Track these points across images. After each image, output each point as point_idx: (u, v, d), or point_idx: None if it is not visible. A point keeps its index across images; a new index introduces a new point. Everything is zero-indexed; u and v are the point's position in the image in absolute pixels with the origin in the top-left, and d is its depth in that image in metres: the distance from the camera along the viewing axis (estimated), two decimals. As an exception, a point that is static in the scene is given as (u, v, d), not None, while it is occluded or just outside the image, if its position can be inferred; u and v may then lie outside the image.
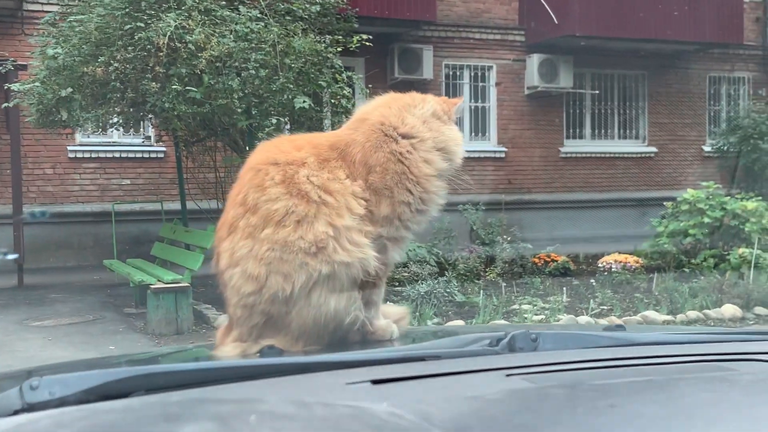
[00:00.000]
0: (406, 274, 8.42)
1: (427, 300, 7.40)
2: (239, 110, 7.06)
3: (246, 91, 7.07)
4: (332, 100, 7.61)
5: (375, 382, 1.14)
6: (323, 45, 7.46)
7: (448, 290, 7.62)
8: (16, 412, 1.07)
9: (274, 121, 7.02)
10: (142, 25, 7.09)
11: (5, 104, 8.07)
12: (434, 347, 1.43)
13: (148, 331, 7.48)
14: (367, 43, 8.08)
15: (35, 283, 9.58)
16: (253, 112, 7.35)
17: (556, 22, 13.05)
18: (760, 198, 10.32)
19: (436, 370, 1.22)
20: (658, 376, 1.21)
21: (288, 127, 8.32)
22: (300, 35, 7.34)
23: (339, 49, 7.86)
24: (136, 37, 7.11)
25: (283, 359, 1.39)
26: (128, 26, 7.17)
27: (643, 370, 1.25)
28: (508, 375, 1.19)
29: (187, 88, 6.97)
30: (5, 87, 7.92)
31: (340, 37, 8.02)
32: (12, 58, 8.03)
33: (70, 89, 7.22)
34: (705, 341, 1.57)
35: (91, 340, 6.93)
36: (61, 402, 1.08)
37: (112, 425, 0.98)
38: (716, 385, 1.18)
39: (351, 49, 8.17)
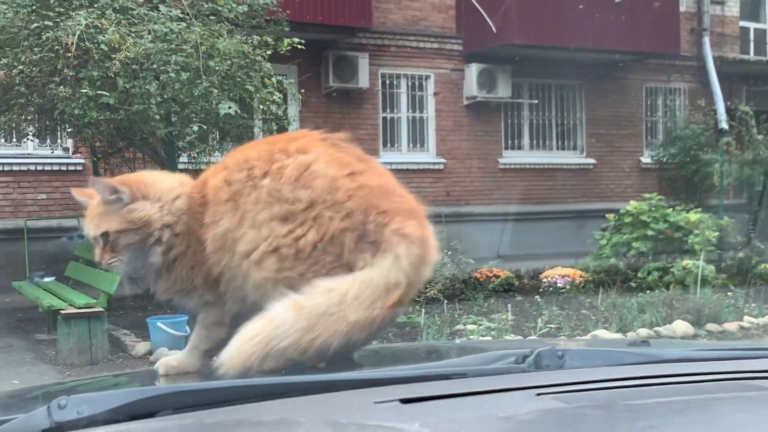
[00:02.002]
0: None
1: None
2: (157, 117, 6.46)
3: (165, 96, 6.48)
4: (261, 107, 7.06)
5: (404, 401, 1.15)
6: (251, 47, 6.92)
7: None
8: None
9: (195, 128, 6.43)
10: (50, 23, 6.47)
11: None
12: (458, 365, 1.44)
13: (58, 361, 6.81)
14: (300, 46, 7.59)
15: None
16: (174, 119, 6.76)
17: (495, 31, 12.80)
18: (700, 210, 10.20)
19: (463, 389, 1.22)
20: (692, 395, 1.20)
21: (215, 136, 7.76)
22: (225, 36, 6.79)
23: (268, 52, 7.33)
24: (44, 37, 6.48)
25: (311, 377, 1.40)
26: (35, 25, 6.54)
27: (676, 389, 1.25)
28: (538, 394, 1.18)
29: (99, 92, 6.35)
30: None
31: (270, 39, 7.49)
32: None
33: (-33, 94, 6.52)
34: (734, 357, 1.56)
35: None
36: (90, 422, 1.12)
37: None
38: (754, 405, 1.17)
39: (282, 53, 7.65)
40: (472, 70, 13.06)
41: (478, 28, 12.99)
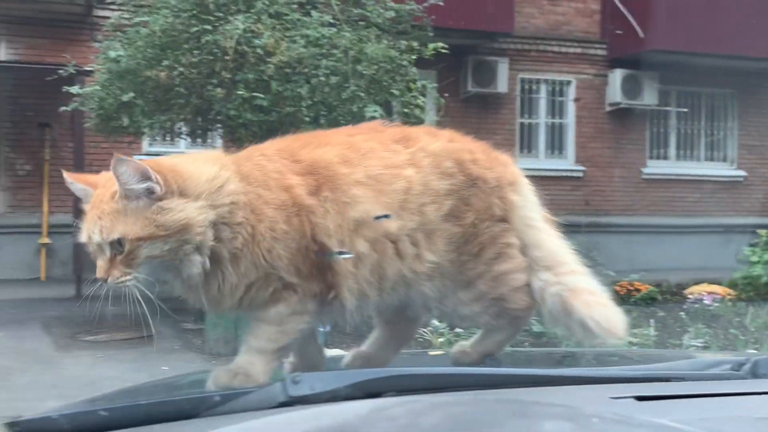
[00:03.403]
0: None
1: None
2: (307, 119, 6.65)
3: (315, 99, 6.66)
4: (404, 110, 7.13)
5: (639, 398, 1.15)
6: (398, 51, 7.00)
7: (525, 318, 7.02)
8: (280, 405, 1.17)
9: (342, 130, 6.56)
10: (210, 27, 6.77)
11: (63, 108, 7.84)
12: (673, 369, 1.44)
13: (205, 350, 7.10)
14: (444, 50, 7.60)
15: (94, 294, 9.31)
16: (322, 122, 6.93)
17: (641, 35, 12.36)
18: None
19: (690, 391, 1.22)
20: None
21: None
22: (373, 41, 6.90)
23: (413, 57, 7.40)
24: (203, 41, 6.79)
25: (541, 370, 1.41)
26: (195, 29, 6.86)
27: None
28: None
29: (254, 94, 6.59)
30: (64, 90, 7.67)
31: (415, 44, 7.56)
32: (73, 62, 7.78)
33: (132, 94, 6.92)
34: None
35: (142, 358, 6.56)
36: (319, 397, 1.17)
37: (394, 418, 0.98)
38: None
39: (426, 57, 7.70)
40: (616, 75, 12.69)
41: (624, 33, 12.60)
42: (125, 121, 7.10)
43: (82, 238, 1.56)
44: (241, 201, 1.63)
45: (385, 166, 1.79)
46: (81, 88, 7.54)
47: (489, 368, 1.46)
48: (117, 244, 1.53)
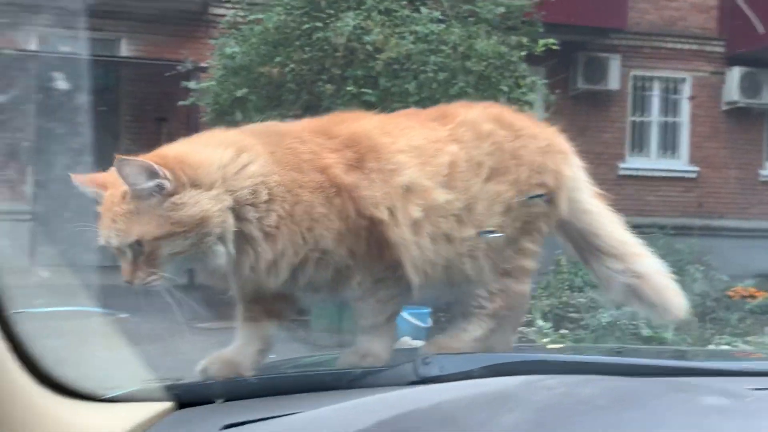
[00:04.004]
0: (583, 300, 7.72)
1: (610, 332, 6.68)
2: (415, 115, 6.67)
3: (423, 96, 6.66)
4: (514, 107, 7.05)
5: None
6: (507, 47, 6.93)
7: (633, 322, 6.85)
8: (411, 383, 1.23)
9: (450, 127, 6.56)
10: (321, 24, 6.88)
11: (181, 102, 8.13)
12: None
13: (309, 340, 7.24)
14: (554, 47, 7.47)
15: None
16: (429, 118, 6.94)
17: (761, 31, 11.79)
18: None
19: None
20: None
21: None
22: (483, 37, 6.86)
23: (523, 53, 7.31)
24: (314, 38, 6.91)
25: (671, 362, 1.42)
26: (306, 26, 6.99)
27: None
28: None
29: (363, 90, 6.67)
30: (182, 85, 7.97)
31: (525, 40, 7.46)
32: (191, 58, 8.07)
33: (245, 89, 7.11)
34: None
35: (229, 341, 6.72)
36: (449, 378, 1.20)
37: (551, 388, 0.99)
38: None
39: (535, 54, 7.60)
40: (734, 73, 12.17)
41: (743, 29, 12.04)
42: (239, 116, 7.31)
43: (101, 242, 1.49)
44: (269, 181, 1.55)
45: (427, 139, 1.75)
46: (197, 84, 7.81)
47: (629, 358, 1.45)
48: (136, 246, 1.46)
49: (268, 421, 1.08)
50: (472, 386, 1.05)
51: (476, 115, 1.85)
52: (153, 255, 1.48)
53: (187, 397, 1.23)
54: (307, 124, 1.81)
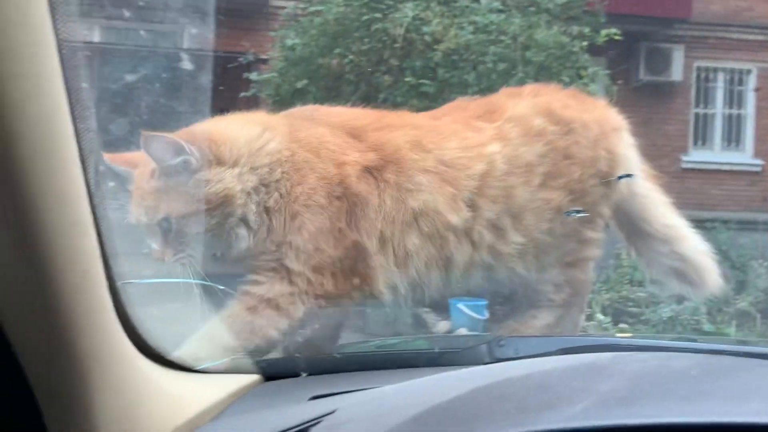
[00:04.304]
0: (643, 294, 7.60)
1: (670, 326, 6.57)
2: (473, 106, 6.65)
3: (482, 86, 6.63)
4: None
5: None
6: (568, 38, 6.85)
7: (695, 317, 6.73)
8: (487, 364, 1.21)
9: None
10: (380, 16, 6.90)
11: (243, 93, 8.24)
12: None
13: (365, 330, 7.27)
14: (617, 37, 7.36)
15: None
16: (488, 109, 6.91)
17: (834, 20, 11.43)
18: None
19: None
20: None
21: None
22: (543, 27, 6.78)
23: (584, 43, 7.21)
24: (373, 29, 6.93)
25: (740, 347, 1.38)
26: (366, 17, 7.01)
27: None
28: None
29: (421, 81, 6.66)
30: (243, 77, 8.07)
31: (587, 30, 7.36)
32: (252, 50, 8.18)
33: (305, 81, 7.18)
34: None
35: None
36: (522, 359, 1.18)
37: (644, 360, 0.97)
38: None
39: (597, 44, 7.49)
40: (804, 64, 11.80)
41: (814, 18, 11.70)
42: (298, 107, 7.39)
43: (132, 219, 1.49)
44: (282, 158, 1.52)
45: (465, 147, 1.72)
46: (259, 75, 7.91)
47: (709, 344, 1.45)
48: (165, 223, 1.46)
49: (353, 393, 1.11)
50: (557, 361, 1.06)
51: (525, 109, 1.80)
52: (180, 233, 1.46)
53: (273, 371, 1.28)
54: (347, 118, 1.79)
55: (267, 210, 1.55)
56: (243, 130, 1.57)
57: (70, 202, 0.69)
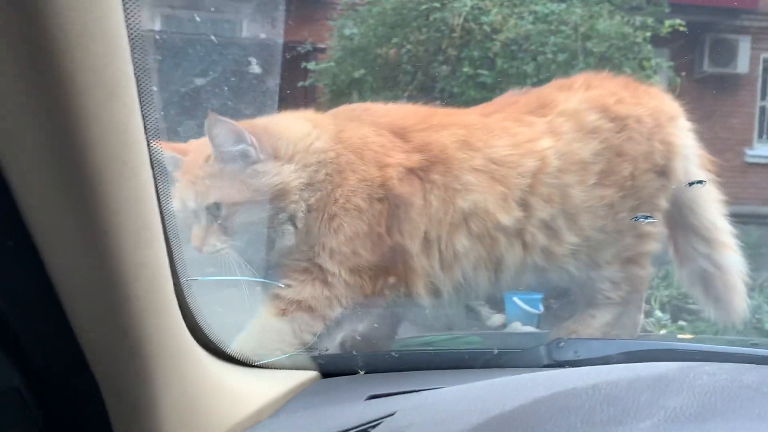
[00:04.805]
0: (703, 291, 7.43)
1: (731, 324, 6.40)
2: (532, 98, 6.58)
3: (541, 77, 6.54)
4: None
5: None
6: (631, 28, 6.71)
7: (757, 316, 6.55)
8: (545, 366, 1.24)
9: (570, 109, 6.43)
10: (438, 5, 6.85)
11: (301, 83, 8.28)
12: None
13: (417, 322, 7.27)
14: (681, 28, 7.18)
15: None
16: (547, 100, 6.83)
17: None
18: None
19: None
20: None
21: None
22: (605, 17, 6.66)
23: (647, 34, 7.06)
24: (431, 18, 6.89)
25: None
26: (424, 6, 6.97)
27: None
28: None
29: (479, 71, 6.61)
30: (303, 67, 8.11)
31: (650, 21, 7.21)
32: (310, 40, 8.21)
33: (362, 71, 7.18)
34: None
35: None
36: (584, 362, 1.20)
37: (713, 373, 0.94)
38: None
39: (661, 35, 7.33)
40: None
41: None
42: (355, 97, 7.39)
43: (176, 205, 1.45)
44: (326, 158, 1.50)
45: (515, 144, 1.65)
46: (316, 65, 7.94)
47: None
48: (214, 209, 1.44)
49: (410, 394, 1.11)
50: (623, 370, 1.03)
51: (577, 103, 1.75)
52: (227, 222, 1.44)
53: (331, 368, 1.28)
54: (395, 117, 1.74)
55: (309, 209, 1.53)
56: (297, 127, 1.57)
57: (141, 206, 0.69)
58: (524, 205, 1.63)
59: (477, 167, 1.60)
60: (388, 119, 1.72)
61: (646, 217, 1.58)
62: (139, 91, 0.65)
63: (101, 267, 0.67)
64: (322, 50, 8.87)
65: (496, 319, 7.18)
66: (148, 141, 0.69)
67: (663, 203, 1.78)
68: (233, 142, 1.44)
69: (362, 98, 7.57)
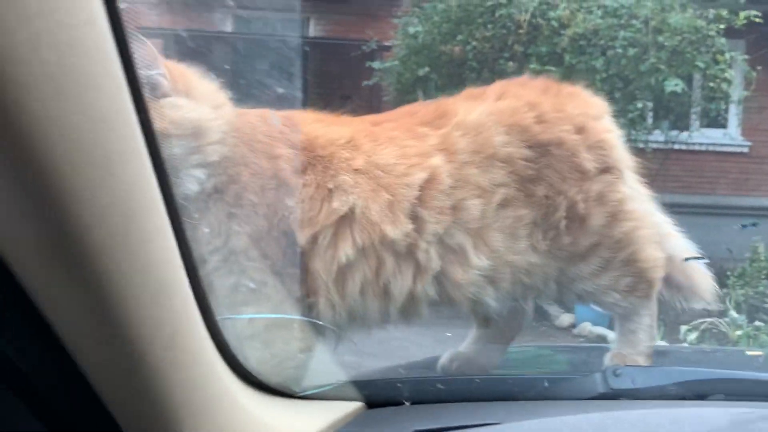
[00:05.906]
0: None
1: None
2: (601, 93, 6.44)
3: (610, 72, 6.42)
4: (710, 84, 6.64)
5: None
6: (704, 21, 6.52)
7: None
8: (600, 396, 1.18)
9: (639, 105, 6.28)
10: (504, 1, 6.78)
11: (366, 82, 8.31)
12: None
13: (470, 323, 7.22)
14: (757, 19, 6.95)
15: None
16: (616, 96, 6.68)
17: None
18: None
19: None
20: None
21: (651, 113, 7.52)
22: (677, 10, 6.48)
23: (721, 26, 6.84)
24: (497, 14, 6.83)
25: None
26: (489, 3, 6.92)
27: None
28: None
29: (547, 67, 6.51)
30: (366, 65, 8.14)
31: (724, 13, 6.98)
32: (375, 38, 8.23)
33: (427, 68, 7.16)
34: None
35: (427, 324, 6.81)
36: (642, 393, 1.15)
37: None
38: None
39: (735, 27, 7.09)
40: None
41: None
42: (420, 95, 7.37)
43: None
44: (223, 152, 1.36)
45: (402, 156, 1.44)
46: (381, 63, 7.95)
47: None
48: None
49: (458, 431, 1.07)
50: (685, 415, 0.98)
51: (481, 115, 1.51)
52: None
53: (376, 397, 1.23)
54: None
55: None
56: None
57: (162, 270, 0.67)
58: (414, 218, 1.43)
59: (358, 168, 1.43)
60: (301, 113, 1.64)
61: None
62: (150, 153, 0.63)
63: (118, 325, 0.65)
64: (388, 48, 8.88)
65: (565, 318, 7.08)
66: (167, 201, 0.67)
67: (624, 190, 1.61)
68: None
69: (427, 96, 7.54)
